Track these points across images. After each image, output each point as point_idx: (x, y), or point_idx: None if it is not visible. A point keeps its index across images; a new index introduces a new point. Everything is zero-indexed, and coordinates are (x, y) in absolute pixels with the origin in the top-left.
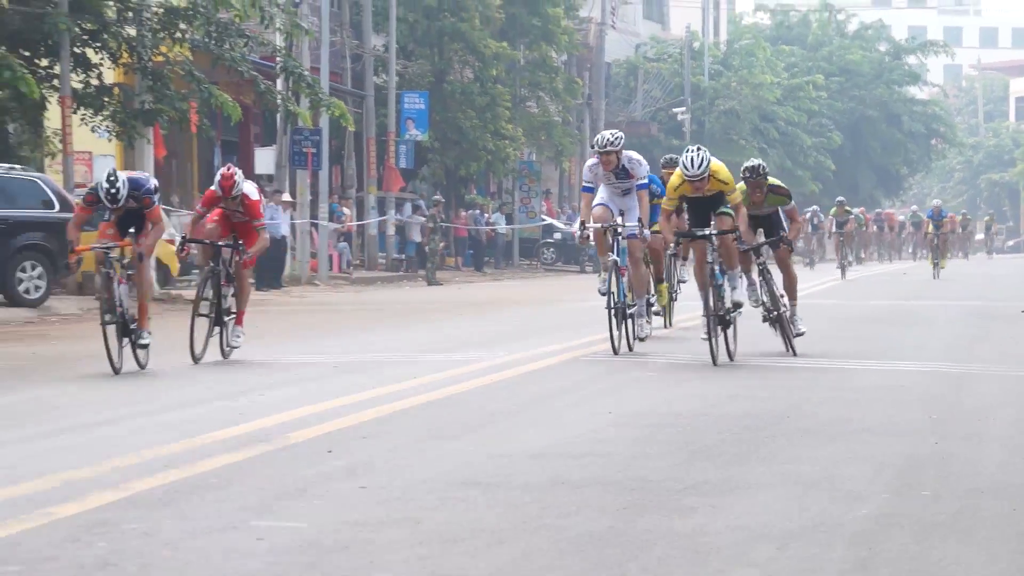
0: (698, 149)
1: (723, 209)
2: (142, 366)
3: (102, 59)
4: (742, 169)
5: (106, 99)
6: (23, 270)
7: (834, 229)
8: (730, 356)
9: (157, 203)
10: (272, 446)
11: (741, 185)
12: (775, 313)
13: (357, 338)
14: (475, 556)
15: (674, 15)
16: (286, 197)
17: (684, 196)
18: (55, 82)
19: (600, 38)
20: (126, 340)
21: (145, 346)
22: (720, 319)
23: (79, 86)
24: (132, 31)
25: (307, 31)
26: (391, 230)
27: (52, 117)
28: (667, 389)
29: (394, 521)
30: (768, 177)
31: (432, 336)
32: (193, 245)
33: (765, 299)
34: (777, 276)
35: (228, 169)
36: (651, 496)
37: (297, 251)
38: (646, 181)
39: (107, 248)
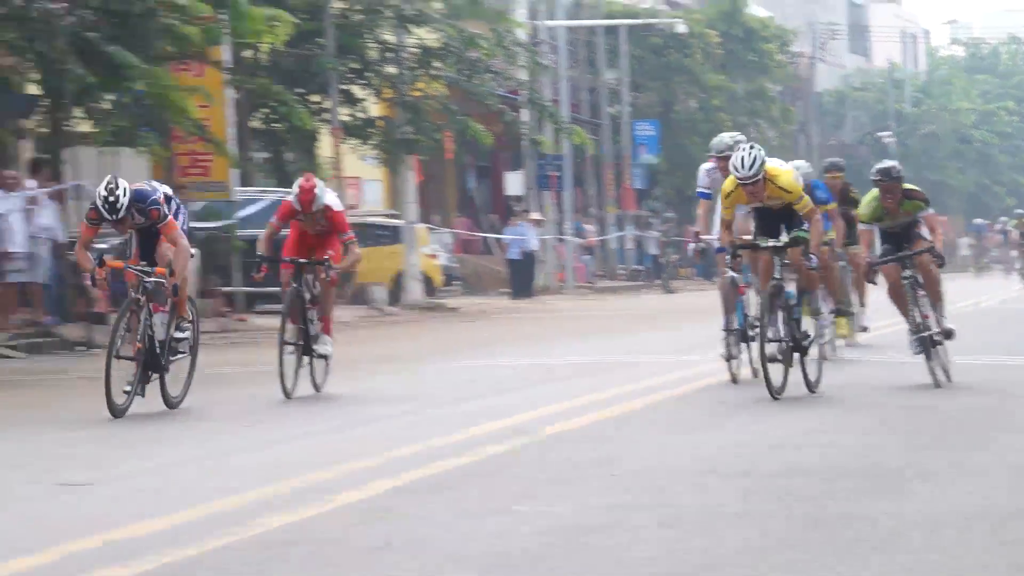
0: (751, 147)
1: (798, 233)
2: (171, 404)
3: (367, 95)
4: (872, 171)
5: (371, 130)
6: None
7: (1018, 239)
8: (809, 388)
9: (171, 216)
10: (529, 439)
11: (873, 192)
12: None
13: (602, 341)
14: (718, 537)
15: (876, 48)
16: (535, 215)
17: (748, 205)
18: (325, 115)
19: (811, 70)
20: (154, 375)
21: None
22: (796, 345)
23: (347, 119)
24: (392, 69)
25: (546, 67)
26: (629, 244)
27: (324, 146)
28: (887, 389)
29: (643, 506)
30: (903, 180)
31: (668, 339)
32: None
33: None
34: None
35: (307, 181)
36: (880, 481)
37: (546, 264)
38: None
39: (144, 272)
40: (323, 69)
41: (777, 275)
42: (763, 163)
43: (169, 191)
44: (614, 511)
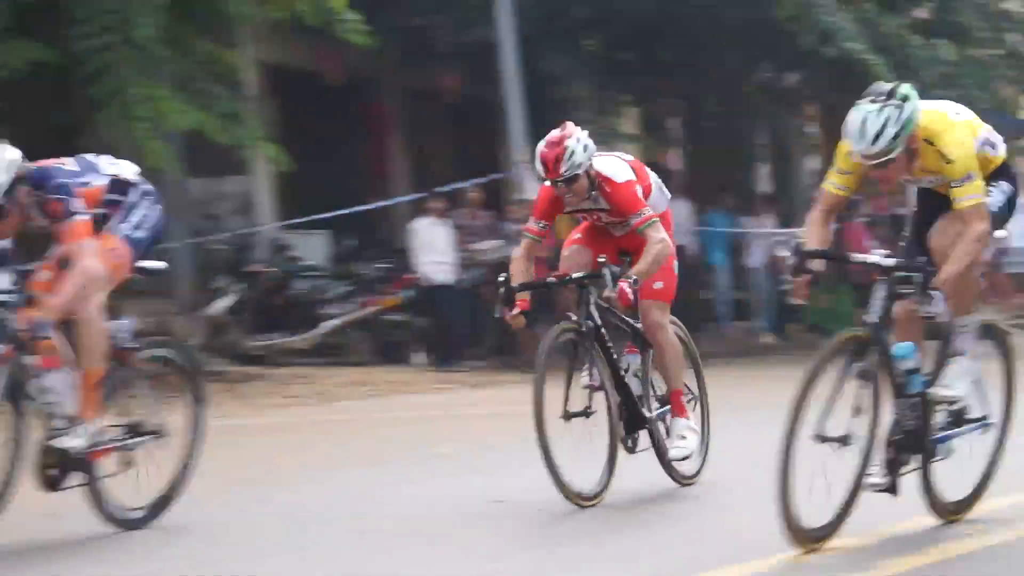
0: (885, 100)
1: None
2: (126, 522)
3: None
4: None
5: None
6: None
7: None
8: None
9: (81, 214)
10: None
11: None
12: None
13: None
14: None
15: None
16: None
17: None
18: None
19: None
20: (81, 476)
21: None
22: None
23: None
24: None
25: None
26: None
27: None
28: None
29: None
30: None
31: None
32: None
33: None
34: None
35: (562, 129)
36: None
37: None
38: None
39: (3, 304)
40: None
41: (879, 311)
42: (900, 133)
43: (130, 175)
44: None
